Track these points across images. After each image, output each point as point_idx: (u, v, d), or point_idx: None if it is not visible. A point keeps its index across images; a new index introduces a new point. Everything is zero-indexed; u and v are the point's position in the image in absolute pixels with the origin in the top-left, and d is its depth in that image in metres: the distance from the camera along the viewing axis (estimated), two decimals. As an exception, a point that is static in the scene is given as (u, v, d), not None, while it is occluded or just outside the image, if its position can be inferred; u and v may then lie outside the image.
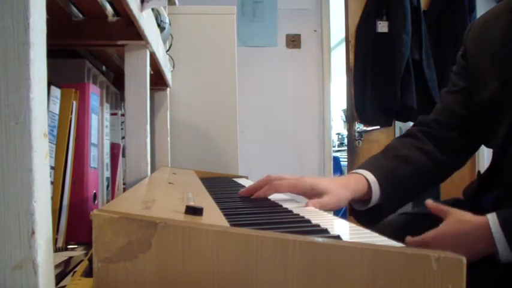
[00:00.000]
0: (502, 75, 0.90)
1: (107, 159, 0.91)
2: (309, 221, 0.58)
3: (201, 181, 1.04)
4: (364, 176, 0.90)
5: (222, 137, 1.75)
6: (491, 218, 0.77)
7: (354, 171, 0.94)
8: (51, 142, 0.67)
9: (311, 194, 0.82)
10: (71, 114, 0.70)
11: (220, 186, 1.12)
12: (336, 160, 3.96)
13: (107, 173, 0.92)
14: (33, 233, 0.32)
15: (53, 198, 0.66)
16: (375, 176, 0.90)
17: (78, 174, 0.72)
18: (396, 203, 0.96)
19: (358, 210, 0.95)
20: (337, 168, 4.02)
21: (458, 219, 0.80)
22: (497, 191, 0.91)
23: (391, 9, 2.71)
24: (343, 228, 0.59)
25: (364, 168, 0.92)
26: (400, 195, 0.95)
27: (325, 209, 0.79)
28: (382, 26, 2.73)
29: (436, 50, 2.77)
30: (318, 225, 0.55)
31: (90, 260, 0.40)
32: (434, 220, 0.97)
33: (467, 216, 0.79)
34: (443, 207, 0.82)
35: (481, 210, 0.90)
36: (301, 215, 0.64)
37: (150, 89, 0.98)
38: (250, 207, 0.73)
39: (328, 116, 3.13)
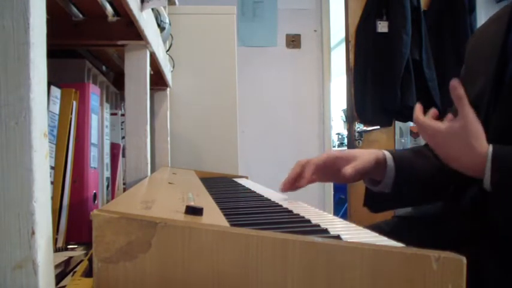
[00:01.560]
0: (487, 75, 0.91)
1: (107, 159, 0.91)
2: (309, 221, 0.58)
3: (201, 181, 1.04)
4: (382, 152, 0.94)
5: (222, 137, 1.75)
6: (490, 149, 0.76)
7: (382, 150, 0.97)
8: (51, 142, 0.67)
9: (341, 162, 0.89)
10: (71, 114, 0.70)
11: (220, 186, 1.12)
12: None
13: (107, 173, 0.92)
14: (33, 233, 0.32)
15: (53, 198, 0.66)
16: (393, 158, 0.93)
17: (78, 174, 0.72)
18: (408, 192, 0.96)
19: (370, 197, 0.98)
20: (337, 168, 4.02)
21: (470, 130, 0.77)
22: (474, 189, 0.91)
23: (391, 9, 2.71)
24: (343, 228, 0.59)
25: (386, 150, 0.97)
26: (414, 185, 0.96)
27: (357, 169, 0.86)
28: (382, 26, 2.73)
29: (436, 50, 2.77)
30: (318, 225, 0.55)
31: (90, 260, 0.40)
32: (428, 224, 0.97)
33: (480, 133, 0.77)
34: (464, 100, 0.77)
35: (461, 207, 0.92)
36: (301, 215, 0.64)
37: (150, 89, 0.98)
38: (250, 207, 0.73)
39: (328, 116, 3.13)
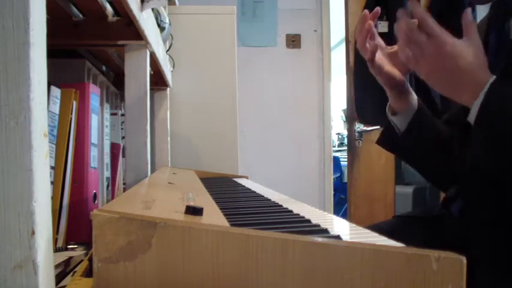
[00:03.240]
0: None
1: (107, 159, 0.91)
2: (309, 221, 0.58)
3: (201, 181, 1.04)
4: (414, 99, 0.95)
5: (222, 137, 1.75)
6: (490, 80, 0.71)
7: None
8: (51, 142, 0.67)
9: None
10: (71, 114, 0.70)
11: (220, 186, 1.12)
12: (336, 160, 3.96)
13: (107, 173, 0.92)
14: (33, 233, 0.32)
15: (53, 198, 0.66)
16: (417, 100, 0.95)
17: (78, 174, 0.72)
18: (417, 139, 0.96)
19: (385, 137, 1.01)
20: (337, 168, 4.03)
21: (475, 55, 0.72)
22: (461, 201, 0.92)
23: (391, 9, 2.71)
24: (343, 228, 0.59)
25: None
26: (425, 133, 0.96)
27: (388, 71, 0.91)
28: (382, 26, 2.73)
29: (436, 50, 2.77)
30: (318, 225, 0.55)
31: (90, 260, 0.40)
32: (429, 224, 0.97)
33: (484, 62, 0.73)
34: (473, 27, 0.72)
35: (451, 217, 0.93)
36: (301, 215, 0.64)
37: (150, 89, 0.98)
38: (250, 207, 0.73)
39: (328, 116, 3.13)
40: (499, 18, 0.88)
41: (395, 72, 0.92)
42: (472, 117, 0.73)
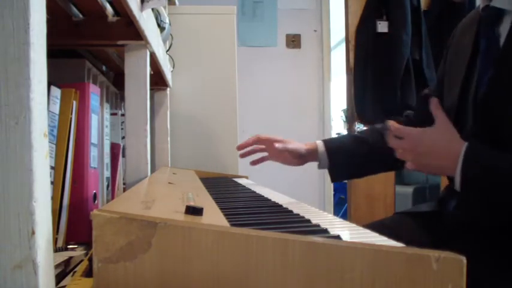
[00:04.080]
0: (454, 90, 0.94)
1: (107, 159, 0.91)
2: (309, 221, 0.58)
3: (201, 181, 1.04)
4: (316, 146, 1.16)
5: (222, 137, 1.75)
6: (464, 148, 0.80)
7: (317, 140, 1.19)
8: (51, 142, 0.67)
9: (278, 140, 1.17)
10: (71, 114, 0.70)
11: (220, 186, 1.12)
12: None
13: (107, 173, 0.92)
14: (33, 233, 0.32)
15: (53, 198, 0.66)
16: (326, 148, 1.15)
17: (78, 174, 0.72)
18: (345, 171, 1.20)
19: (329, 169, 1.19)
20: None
21: (445, 131, 0.83)
22: (454, 201, 0.93)
23: (391, 9, 2.71)
24: (343, 228, 0.59)
25: (323, 140, 1.19)
26: (349, 167, 1.17)
27: (287, 148, 1.15)
28: (382, 26, 2.73)
29: (436, 50, 2.77)
30: (318, 225, 0.55)
31: (90, 260, 0.40)
32: (429, 220, 0.98)
33: (454, 135, 0.83)
34: (442, 115, 0.85)
35: (446, 215, 0.95)
36: (301, 215, 0.64)
37: (150, 89, 0.98)
38: (250, 207, 0.73)
39: (328, 116, 3.13)
40: (489, 24, 0.89)
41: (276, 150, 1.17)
42: (457, 185, 0.80)
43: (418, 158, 0.84)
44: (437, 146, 0.82)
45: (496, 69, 0.84)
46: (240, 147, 1.23)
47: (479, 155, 0.79)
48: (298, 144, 1.17)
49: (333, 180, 1.21)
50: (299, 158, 1.17)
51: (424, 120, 1.11)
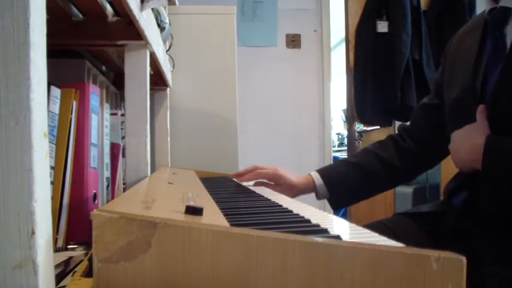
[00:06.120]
0: (462, 83, 0.95)
1: (107, 159, 0.91)
2: (309, 221, 0.58)
3: (201, 181, 1.04)
4: (312, 178, 1.17)
5: (222, 137, 1.75)
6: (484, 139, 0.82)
7: (312, 172, 1.19)
8: (51, 142, 0.67)
9: (276, 181, 1.16)
10: (71, 114, 0.70)
11: (220, 186, 1.12)
12: (336, 160, 3.96)
13: (107, 173, 0.92)
14: (33, 233, 0.32)
15: (53, 198, 0.66)
16: (323, 178, 1.17)
17: (78, 174, 0.72)
18: (345, 199, 1.22)
19: (329, 200, 1.21)
20: (337, 168, 4.01)
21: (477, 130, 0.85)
22: (465, 192, 0.94)
23: (391, 9, 2.71)
24: (343, 228, 0.59)
25: (318, 171, 1.20)
26: (348, 193, 1.19)
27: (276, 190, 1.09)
28: (382, 26, 2.73)
29: (436, 50, 2.77)
30: (318, 225, 0.55)
31: (90, 260, 0.40)
32: (427, 219, 0.98)
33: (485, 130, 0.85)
34: (483, 119, 0.87)
35: (453, 209, 0.96)
36: (301, 215, 0.64)
37: (150, 89, 0.98)
38: (250, 207, 0.73)
39: (328, 116, 3.13)
40: (496, 24, 0.89)
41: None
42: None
43: (453, 154, 0.90)
44: (464, 142, 0.86)
45: (505, 66, 0.84)
46: (236, 177, 1.22)
47: (500, 143, 0.82)
48: (290, 182, 1.16)
49: (334, 209, 1.22)
50: (294, 191, 1.18)
51: (423, 128, 1.13)
